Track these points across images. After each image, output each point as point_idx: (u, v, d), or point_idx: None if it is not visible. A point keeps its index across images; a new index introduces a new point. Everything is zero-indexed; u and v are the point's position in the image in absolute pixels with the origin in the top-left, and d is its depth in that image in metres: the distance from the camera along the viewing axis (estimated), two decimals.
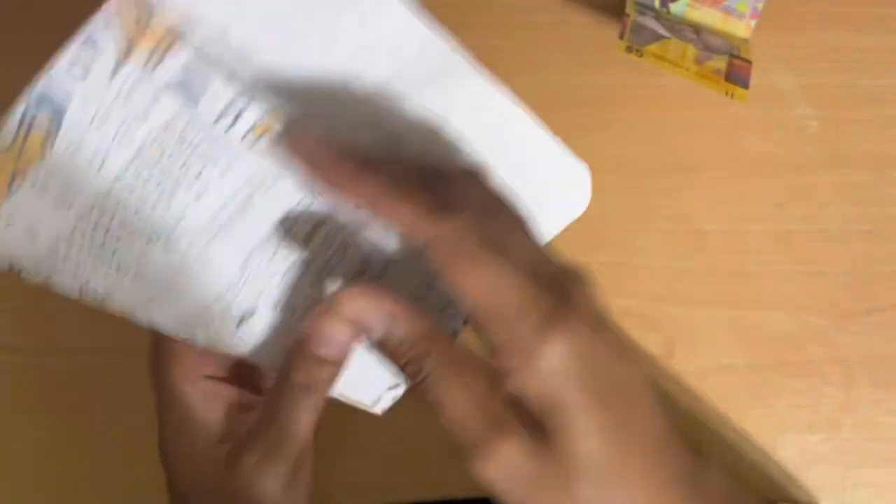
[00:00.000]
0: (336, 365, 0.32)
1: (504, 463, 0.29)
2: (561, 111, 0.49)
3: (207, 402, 0.34)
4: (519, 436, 0.28)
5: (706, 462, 0.34)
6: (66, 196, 0.27)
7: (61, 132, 0.26)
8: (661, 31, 0.46)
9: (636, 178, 0.49)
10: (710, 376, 0.47)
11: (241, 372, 0.36)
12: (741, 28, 0.47)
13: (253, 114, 0.28)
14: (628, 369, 0.30)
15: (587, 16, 0.49)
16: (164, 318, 0.31)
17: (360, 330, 0.30)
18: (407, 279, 0.34)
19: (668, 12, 0.47)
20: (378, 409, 0.37)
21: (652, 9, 0.47)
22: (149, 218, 0.28)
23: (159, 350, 0.35)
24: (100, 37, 0.26)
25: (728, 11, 0.46)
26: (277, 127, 0.28)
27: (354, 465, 0.47)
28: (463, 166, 0.32)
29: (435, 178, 0.31)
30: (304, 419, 0.33)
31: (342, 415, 0.47)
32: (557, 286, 0.29)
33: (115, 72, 0.26)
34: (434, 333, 0.30)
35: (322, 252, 0.32)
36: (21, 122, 0.27)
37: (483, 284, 0.28)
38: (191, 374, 0.34)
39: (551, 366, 0.28)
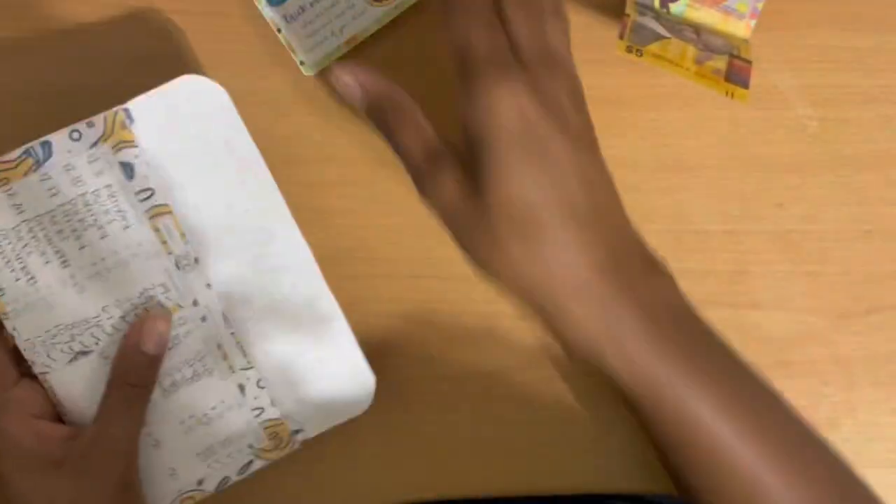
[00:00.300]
0: (159, 359, 0.38)
1: (440, 193, 0.34)
2: None
3: (41, 439, 0.37)
4: (452, 168, 0.34)
5: (658, 268, 0.36)
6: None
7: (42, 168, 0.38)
8: (661, 31, 0.46)
9: (636, 178, 0.49)
10: None
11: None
12: (741, 28, 0.47)
13: (160, 196, 0.39)
14: (573, 151, 0.35)
15: (587, 16, 0.49)
16: (28, 328, 0.38)
17: None
18: (194, 403, 0.41)
19: (668, 12, 0.47)
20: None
21: (652, 9, 0.47)
22: (63, 238, 0.38)
23: None
24: (96, 120, 0.40)
25: (728, 12, 0.46)
26: (171, 213, 0.39)
27: (354, 465, 0.47)
28: None
29: None
30: (138, 417, 0.38)
31: None
32: (549, 64, 0.36)
33: (94, 144, 0.39)
34: (389, 93, 0.37)
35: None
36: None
37: (463, 31, 0.35)
38: (20, 416, 0.37)
39: (486, 105, 0.33)
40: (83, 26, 0.49)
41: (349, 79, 0.37)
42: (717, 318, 0.48)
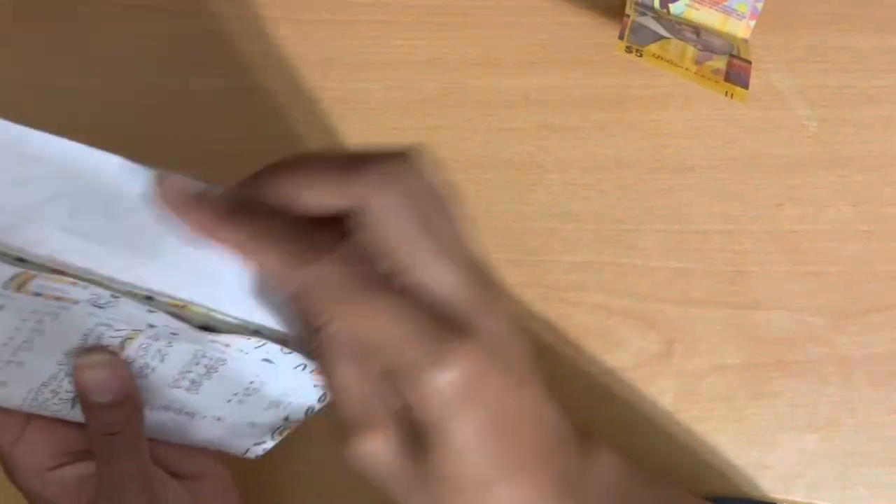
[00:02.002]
0: (126, 403, 0.34)
1: (373, 455, 0.31)
2: (561, 111, 0.49)
3: (64, 489, 0.35)
4: (389, 437, 0.30)
5: (593, 456, 0.35)
6: None
7: None
8: (661, 31, 0.46)
9: (636, 178, 0.49)
10: (710, 376, 0.47)
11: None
12: (741, 28, 0.47)
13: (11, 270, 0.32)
14: (519, 395, 0.31)
15: (587, 16, 0.49)
16: (11, 400, 0.35)
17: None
18: (228, 385, 0.37)
19: (668, 13, 0.47)
20: (251, 456, 0.40)
21: (652, 9, 0.47)
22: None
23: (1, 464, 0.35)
24: None
25: (728, 12, 0.46)
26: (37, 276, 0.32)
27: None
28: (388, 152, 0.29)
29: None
30: (133, 450, 0.35)
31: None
32: (461, 309, 0.29)
33: None
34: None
35: (141, 358, 0.35)
36: None
37: (362, 323, 0.28)
38: (33, 473, 0.35)
39: (433, 392, 0.28)
40: None
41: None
42: (717, 318, 0.48)
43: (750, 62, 0.45)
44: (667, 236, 0.48)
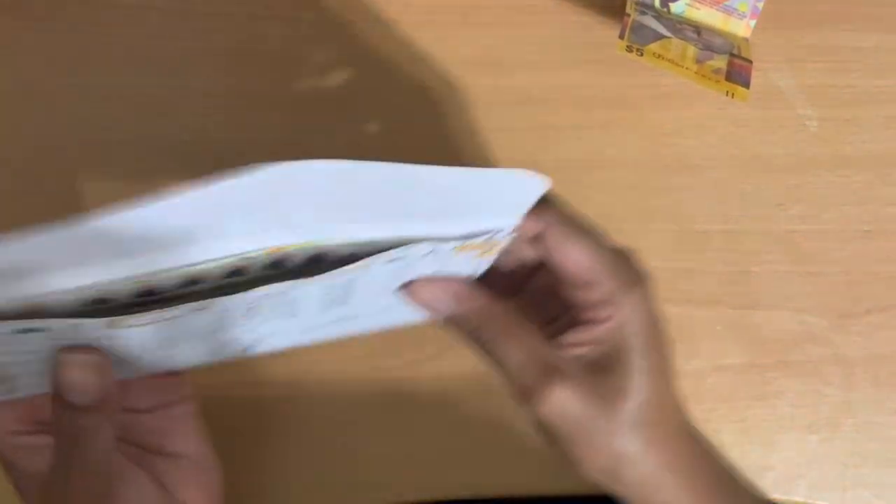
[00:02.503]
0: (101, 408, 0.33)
1: (558, 402, 0.34)
2: (561, 111, 0.49)
3: (27, 455, 0.34)
4: (573, 378, 0.34)
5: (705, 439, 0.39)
6: None
7: None
8: (662, 30, 0.46)
9: (636, 178, 0.49)
10: (710, 376, 0.47)
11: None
12: (741, 28, 0.47)
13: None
14: (666, 331, 0.37)
15: (587, 16, 0.49)
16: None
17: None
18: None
19: (669, 12, 0.47)
20: None
21: (652, 8, 0.47)
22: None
23: None
24: None
25: (728, 11, 0.46)
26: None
27: (354, 465, 0.47)
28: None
29: None
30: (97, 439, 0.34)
31: (342, 415, 0.47)
32: (633, 262, 0.37)
33: None
34: (490, 307, 0.36)
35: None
36: None
37: (578, 257, 0.35)
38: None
39: (627, 317, 0.35)
40: None
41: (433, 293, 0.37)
42: (718, 318, 0.48)
43: (751, 61, 0.45)
44: (667, 236, 0.48)
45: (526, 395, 0.35)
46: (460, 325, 0.37)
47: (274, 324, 0.36)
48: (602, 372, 0.35)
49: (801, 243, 0.48)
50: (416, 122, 0.49)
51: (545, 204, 0.36)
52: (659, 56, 0.44)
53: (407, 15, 0.50)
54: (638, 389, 0.35)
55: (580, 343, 0.36)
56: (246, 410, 0.47)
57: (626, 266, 0.36)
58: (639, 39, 0.45)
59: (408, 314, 0.38)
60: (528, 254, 0.37)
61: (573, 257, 0.35)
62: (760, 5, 0.46)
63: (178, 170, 0.48)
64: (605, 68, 0.49)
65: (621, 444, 0.35)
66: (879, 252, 0.48)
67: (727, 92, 0.44)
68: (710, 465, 0.37)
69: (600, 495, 0.43)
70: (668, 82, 0.49)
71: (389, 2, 0.49)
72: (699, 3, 0.46)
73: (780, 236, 0.48)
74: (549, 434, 0.35)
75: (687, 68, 0.44)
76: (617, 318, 0.35)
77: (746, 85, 0.44)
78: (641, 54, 0.44)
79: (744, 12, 0.46)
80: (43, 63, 0.49)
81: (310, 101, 0.49)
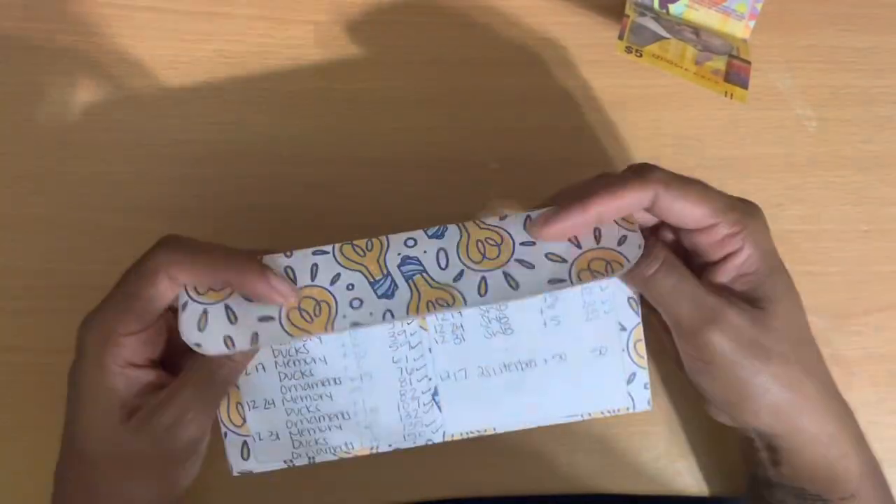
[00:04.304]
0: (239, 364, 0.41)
1: (732, 329, 0.38)
2: (561, 111, 0.49)
3: (129, 383, 0.39)
4: (741, 307, 0.39)
5: None
6: None
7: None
8: (661, 31, 0.46)
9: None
10: None
11: (166, 361, 0.41)
12: (740, 29, 0.47)
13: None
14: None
15: (587, 16, 0.50)
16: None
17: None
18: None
19: (668, 13, 0.47)
20: (645, 405, 0.42)
21: (651, 10, 0.47)
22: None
23: (99, 333, 0.39)
24: None
25: (727, 12, 0.46)
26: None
27: (354, 465, 0.47)
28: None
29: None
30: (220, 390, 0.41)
31: None
32: (740, 200, 0.40)
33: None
34: (670, 255, 0.40)
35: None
36: None
37: (694, 209, 0.39)
38: (119, 362, 0.38)
39: (756, 243, 0.39)
40: None
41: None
42: None
43: (749, 62, 0.45)
44: None
45: (701, 321, 0.38)
46: (645, 270, 0.40)
47: (445, 352, 0.42)
48: (752, 302, 0.39)
49: (801, 243, 0.49)
50: (417, 122, 0.49)
51: (646, 169, 0.39)
52: (658, 57, 0.44)
53: (407, 15, 0.50)
54: (787, 313, 0.39)
55: (726, 278, 0.39)
56: None
57: (737, 202, 0.40)
58: (638, 40, 0.45)
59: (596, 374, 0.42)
60: (647, 218, 0.40)
61: (689, 211, 0.38)
62: (759, 6, 0.46)
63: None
64: (605, 69, 0.49)
65: (784, 354, 0.39)
66: (878, 252, 0.48)
67: (726, 93, 0.44)
68: (837, 400, 0.41)
69: (598, 495, 0.44)
70: (668, 83, 0.49)
71: (390, 3, 0.50)
72: (698, 3, 0.46)
73: (779, 236, 0.48)
74: (715, 359, 0.39)
75: (686, 69, 0.44)
76: (748, 247, 0.39)
77: (745, 86, 0.44)
78: (640, 55, 0.45)
79: (742, 13, 0.46)
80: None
81: (310, 102, 0.49)
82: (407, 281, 0.39)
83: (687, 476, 0.47)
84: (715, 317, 0.38)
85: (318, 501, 0.47)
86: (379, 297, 0.39)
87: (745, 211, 0.40)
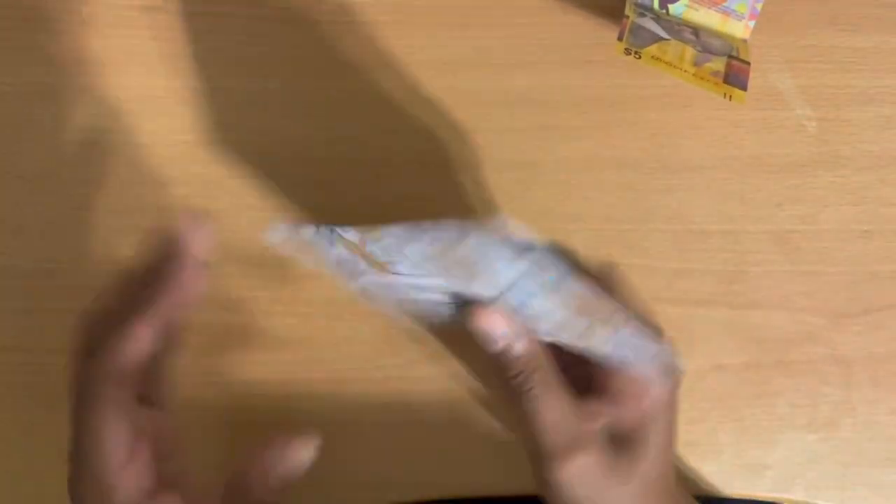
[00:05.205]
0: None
1: (578, 470, 0.36)
2: (561, 111, 0.49)
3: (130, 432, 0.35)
4: (596, 451, 0.36)
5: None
6: None
7: None
8: (661, 32, 0.46)
9: (636, 178, 0.49)
10: (709, 376, 0.47)
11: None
12: (740, 29, 0.47)
13: None
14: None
15: (587, 17, 0.50)
16: None
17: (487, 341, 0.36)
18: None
19: (667, 13, 0.47)
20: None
21: (651, 10, 0.47)
22: None
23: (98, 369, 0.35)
24: None
25: (727, 12, 0.46)
26: None
27: (354, 465, 0.47)
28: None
29: None
30: None
31: (342, 415, 0.48)
32: (668, 351, 0.39)
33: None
34: (542, 356, 0.37)
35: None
36: None
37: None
38: (125, 402, 0.34)
39: (663, 405, 0.38)
40: None
41: (501, 328, 0.37)
42: (717, 318, 0.48)
43: (749, 63, 0.45)
44: (667, 236, 0.48)
45: (550, 456, 0.36)
46: (508, 366, 0.37)
47: None
48: (622, 447, 0.37)
49: (800, 243, 0.49)
50: (417, 122, 0.49)
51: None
52: (657, 59, 0.44)
53: (407, 15, 0.50)
54: (651, 467, 0.38)
55: (607, 415, 0.37)
56: (245, 409, 0.48)
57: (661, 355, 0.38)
58: (637, 41, 0.45)
59: None
60: None
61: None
62: (759, 6, 0.46)
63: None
64: (605, 69, 0.49)
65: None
66: (878, 252, 0.48)
67: (725, 94, 0.44)
68: None
69: None
70: (667, 83, 0.49)
71: (389, 3, 0.50)
72: (698, 4, 0.46)
73: (779, 236, 0.49)
74: (560, 495, 0.37)
75: (685, 71, 0.44)
76: (647, 404, 0.37)
77: (744, 87, 0.44)
78: (640, 57, 0.45)
79: (742, 13, 0.46)
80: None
81: (310, 102, 0.49)
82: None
83: (686, 476, 0.47)
84: (580, 443, 0.36)
85: (318, 501, 0.47)
86: None
87: (663, 370, 0.38)
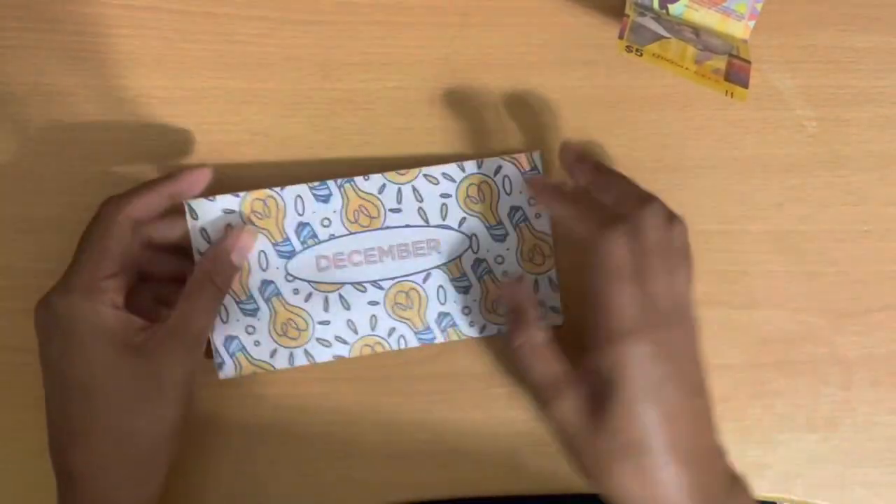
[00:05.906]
0: (238, 270, 0.46)
1: (562, 416, 0.41)
2: (561, 111, 0.49)
3: (126, 324, 0.42)
4: (577, 397, 0.40)
5: (741, 486, 0.41)
6: None
7: None
8: (661, 31, 0.46)
9: (636, 178, 0.48)
10: (710, 376, 0.47)
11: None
12: (740, 29, 0.47)
13: None
14: (690, 403, 0.41)
15: (587, 16, 0.50)
16: None
17: None
18: None
19: (668, 13, 0.47)
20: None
21: (651, 10, 0.47)
22: None
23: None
24: None
25: (727, 12, 0.46)
26: None
27: (354, 465, 0.47)
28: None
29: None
30: (213, 315, 0.45)
31: (342, 415, 0.47)
32: (673, 303, 0.42)
33: None
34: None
35: None
36: None
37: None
38: (108, 302, 0.42)
39: (618, 355, 0.40)
40: None
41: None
42: (717, 318, 0.48)
43: (749, 62, 0.45)
44: None
45: (541, 400, 0.42)
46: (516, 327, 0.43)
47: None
48: (596, 394, 0.40)
49: (800, 243, 0.49)
50: (417, 122, 0.49)
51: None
52: (658, 56, 0.44)
53: (407, 15, 0.50)
54: (619, 416, 0.39)
55: (585, 367, 0.41)
56: (244, 409, 0.48)
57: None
58: (638, 40, 0.45)
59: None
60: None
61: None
62: (759, 6, 0.46)
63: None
64: (605, 69, 0.49)
65: (611, 460, 0.40)
66: (878, 252, 0.48)
67: (726, 91, 0.44)
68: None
69: (598, 495, 0.44)
70: (668, 83, 0.49)
71: (389, 3, 0.50)
72: (698, 4, 0.46)
73: (779, 236, 0.49)
74: (559, 440, 0.41)
75: (686, 68, 0.44)
76: (597, 358, 0.40)
77: (745, 85, 0.44)
78: (641, 54, 0.45)
79: (742, 13, 0.46)
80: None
81: (310, 102, 0.49)
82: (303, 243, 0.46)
83: None
84: (562, 390, 0.41)
85: (318, 501, 0.47)
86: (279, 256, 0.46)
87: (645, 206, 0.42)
